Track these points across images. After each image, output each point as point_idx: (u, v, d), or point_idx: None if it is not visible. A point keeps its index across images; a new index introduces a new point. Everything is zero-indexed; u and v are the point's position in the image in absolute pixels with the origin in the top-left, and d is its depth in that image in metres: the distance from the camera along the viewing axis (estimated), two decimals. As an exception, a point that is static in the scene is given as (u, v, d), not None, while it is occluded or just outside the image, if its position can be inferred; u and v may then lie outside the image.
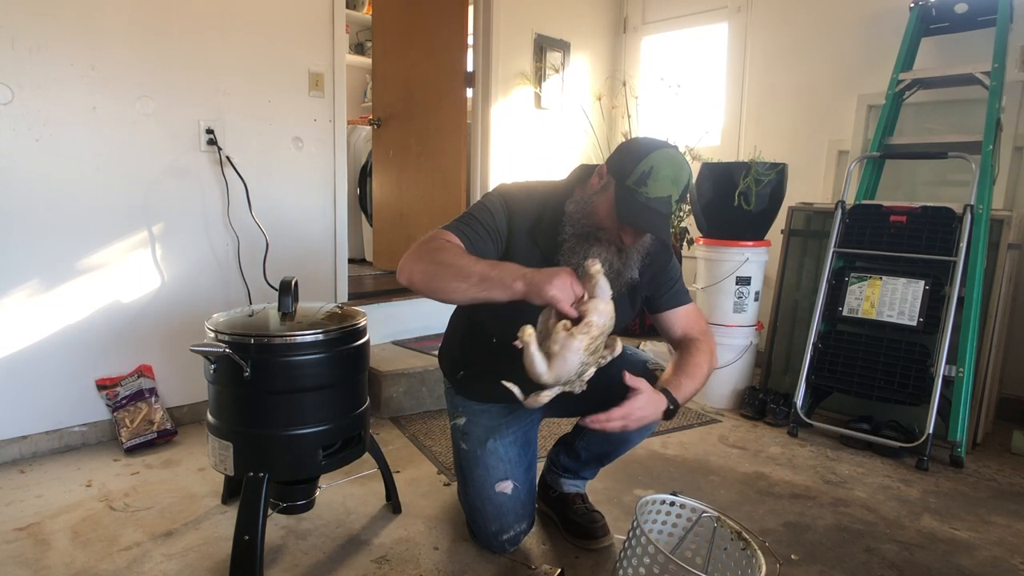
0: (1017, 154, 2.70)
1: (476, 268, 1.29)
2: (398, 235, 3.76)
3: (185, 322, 2.36)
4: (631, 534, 1.32)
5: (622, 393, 1.36)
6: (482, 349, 1.55)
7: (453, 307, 1.75)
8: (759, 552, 1.31)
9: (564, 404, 1.49)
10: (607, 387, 1.38)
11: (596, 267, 1.29)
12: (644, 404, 1.35)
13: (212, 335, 1.50)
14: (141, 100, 2.22)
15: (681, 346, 1.57)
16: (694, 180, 2.84)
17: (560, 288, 1.22)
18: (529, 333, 1.23)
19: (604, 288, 1.28)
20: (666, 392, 1.40)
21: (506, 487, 1.58)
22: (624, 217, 1.34)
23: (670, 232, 1.37)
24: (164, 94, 2.25)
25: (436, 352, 1.88)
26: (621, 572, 1.32)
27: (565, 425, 2.17)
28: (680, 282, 1.62)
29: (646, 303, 1.60)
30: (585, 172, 1.51)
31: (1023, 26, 2.62)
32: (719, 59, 3.63)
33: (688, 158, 3.35)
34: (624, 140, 1.51)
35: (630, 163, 1.35)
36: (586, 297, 1.26)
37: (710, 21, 3.67)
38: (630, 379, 1.35)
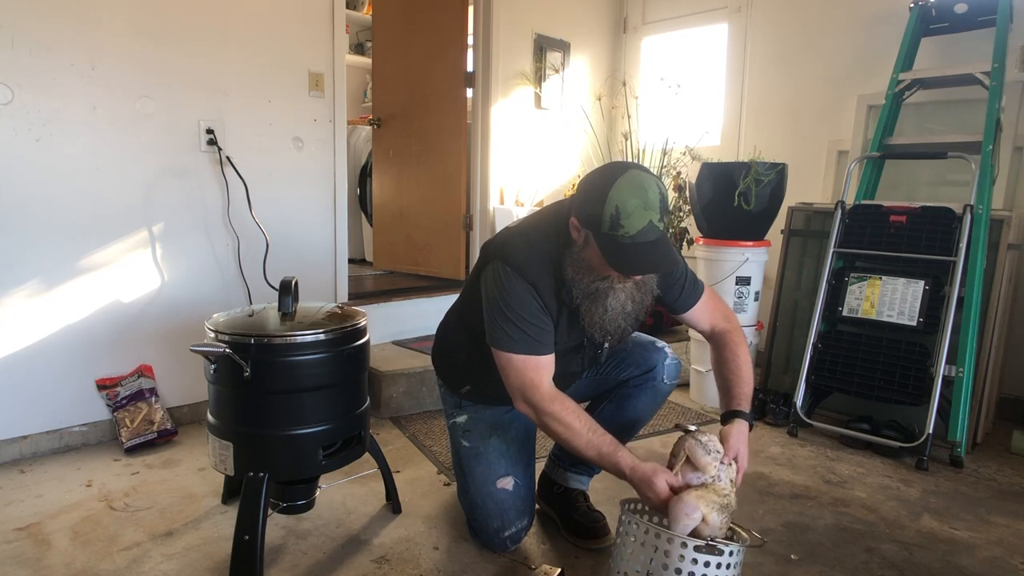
0: (1017, 154, 2.69)
1: (588, 453, 1.37)
2: (398, 235, 3.76)
3: (185, 322, 2.36)
4: (619, 528, 1.35)
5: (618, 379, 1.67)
6: (493, 371, 1.50)
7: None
8: (741, 531, 1.35)
9: (572, 391, 1.65)
10: (615, 378, 1.70)
11: (683, 458, 1.33)
12: (742, 441, 1.42)
13: (212, 335, 1.50)
14: (141, 100, 2.22)
15: (717, 343, 1.60)
16: (694, 180, 2.86)
17: (661, 505, 1.29)
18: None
19: (697, 451, 1.32)
20: (740, 414, 1.46)
21: (507, 483, 1.58)
22: (619, 268, 1.33)
23: (673, 254, 1.34)
24: (164, 94, 2.26)
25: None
26: (617, 563, 1.33)
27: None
28: (689, 275, 1.60)
29: (661, 303, 1.59)
30: (562, 213, 1.46)
31: (1023, 26, 2.62)
32: (719, 59, 3.63)
33: (688, 158, 3.37)
34: (581, 179, 1.43)
35: (595, 210, 1.30)
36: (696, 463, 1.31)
37: (710, 21, 3.67)
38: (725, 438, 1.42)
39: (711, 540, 1.22)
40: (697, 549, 1.21)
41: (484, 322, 1.46)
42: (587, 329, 1.44)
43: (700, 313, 1.61)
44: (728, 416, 1.47)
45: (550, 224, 1.47)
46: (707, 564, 1.21)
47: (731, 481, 1.33)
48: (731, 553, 1.23)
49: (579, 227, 1.36)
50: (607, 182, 1.29)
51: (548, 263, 1.43)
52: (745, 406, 1.47)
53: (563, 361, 1.55)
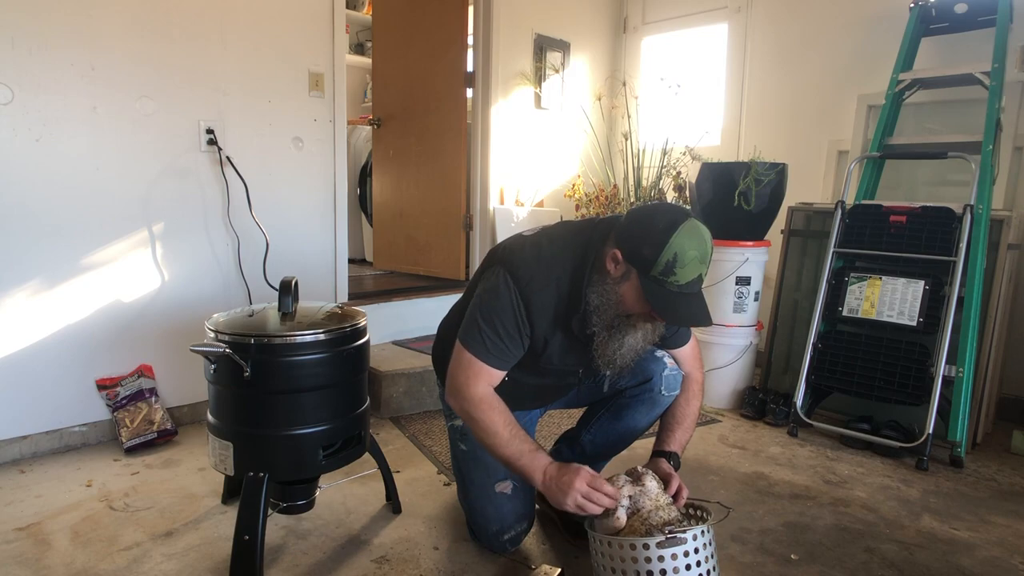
0: (1017, 154, 2.70)
1: (504, 451, 1.37)
2: (398, 235, 3.76)
3: (185, 322, 2.37)
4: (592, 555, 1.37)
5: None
6: None
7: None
8: (705, 506, 1.39)
9: (569, 396, 1.69)
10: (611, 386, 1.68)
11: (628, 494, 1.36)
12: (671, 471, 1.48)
13: (212, 335, 1.50)
14: (141, 100, 2.22)
15: (682, 386, 1.66)
16: (694, 180, 2.86)
17: (574, 507, 1.30)
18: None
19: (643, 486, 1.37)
20: (672, 456, 1.53)
21: (506, 487, 1.57)
22: (662, 314, 1.31)
23: (708, 312, 1.33)
24: (164, 94, 2.26)
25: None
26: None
27: (564, 424, 2.17)
28: None
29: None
30: (592, 234, 1.41)
31: (1023, 26, 2.63)
32: (719, 59, 3.63)
33: (688, 158, 3.36)
34: (633, 209, 1.38)
35: (650, 251, 1.26)
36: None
37: (710, 21, 3.67)
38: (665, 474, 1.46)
39: (670, 532, 1.22)
40: (660, 545, 1.21)
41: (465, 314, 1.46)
42: (595, 359, 1.42)
43: (684, 354, 1.66)
44: (661, 455, 1.52)
45: (572, 244, 1.42)
46: (675, 557, 1.21)
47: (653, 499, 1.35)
48: (694, 537, 1.23)
49: (621, 261, 1.32)
50: (669, 226, 1.26)
51: (555, 283, 1.39)
52: (679, 450, 1.55)
53: (556, 375, 1.57)
